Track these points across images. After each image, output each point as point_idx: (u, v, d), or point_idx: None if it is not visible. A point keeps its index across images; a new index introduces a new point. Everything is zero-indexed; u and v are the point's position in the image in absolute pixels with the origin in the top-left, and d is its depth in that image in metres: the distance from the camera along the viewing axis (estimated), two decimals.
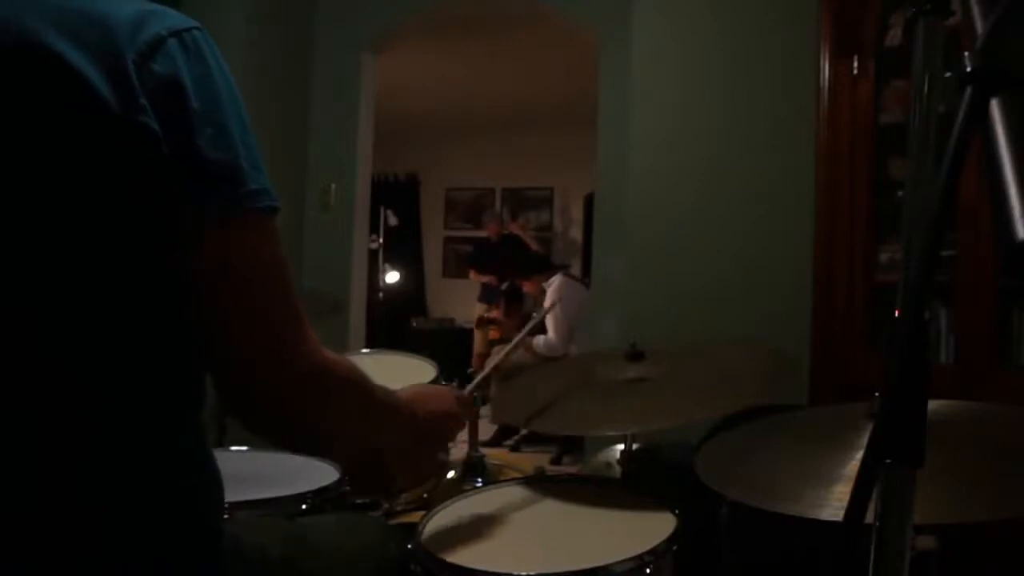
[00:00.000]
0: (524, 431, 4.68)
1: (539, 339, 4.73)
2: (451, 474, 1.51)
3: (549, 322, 4.68)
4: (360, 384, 0.86)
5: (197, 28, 0.71)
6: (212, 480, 0.80)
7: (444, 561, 1.00)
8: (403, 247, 7.65)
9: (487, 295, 6.20)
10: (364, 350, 2.20)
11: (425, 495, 1.40)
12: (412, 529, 1.10)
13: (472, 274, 6.54)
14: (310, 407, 0.79)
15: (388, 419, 0.93)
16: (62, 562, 0.71)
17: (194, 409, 0.78)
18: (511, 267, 5.66)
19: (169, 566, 0.74)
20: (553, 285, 4.81)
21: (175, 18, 0.70)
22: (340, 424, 0.85)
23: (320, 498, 1.22)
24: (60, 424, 0.70)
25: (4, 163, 0.65)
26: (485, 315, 5.76)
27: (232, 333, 0.73)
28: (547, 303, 4.73)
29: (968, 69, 0.49)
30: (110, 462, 0.72)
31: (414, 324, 7.35)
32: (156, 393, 0.74)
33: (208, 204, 0.70)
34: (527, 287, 5.37)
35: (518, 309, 5.73)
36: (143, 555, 0.73)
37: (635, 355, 1.45)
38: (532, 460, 4.37)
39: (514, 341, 1.34)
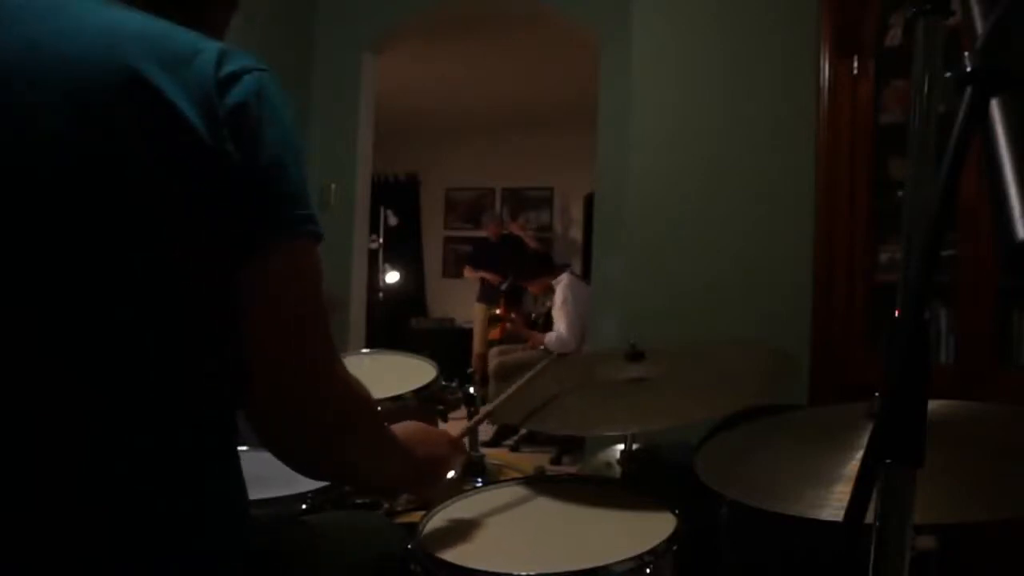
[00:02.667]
0: (524, 431, 4.69)
1: (550, 335, 4.71)
2: (451, 474, 1.51)
3: (560, 318, 4.68)
4: (377, 414, 0.90)
5: (267, 70, 0.78)
6: (222, 481, 0.81)
7: (444, 561, 1.00)
8: (403, 247, 7.65)
9: (486, 295, 6.19)
10: (364, 350, 2.20)
11: None
12: (412, 529, 1.10)
13: (467, 270, 6.51)
14: (334, 429, 0.81)
15: (395, 455, 0.95)
16: (62, 562, 0.71)
17: (207, 410, 0.78)
18: (514, 269, 5.65)
19: (170, 567, 0.74)
20: (562, 282, 4.81)
21: (250, 59, 0.77)
22: (362, 453, 0.88)
23: (320, 497, 1.22)
24: (60, 424, 0.71)
25: (106, 190, 0.70)
26: (495, 313, 5.72)
27: (267, 349, 0.76)
28: (559, 299, 4.73)
29: (968, 69, 0.49)
30: (110, 462, 0.72)
31: (414, 324, 7.35)
32: (159, 394, 0.74)
33: (262, 224, 0.74)
34: (532, 288, 5.36)
35: (518, 307, 5.73)
36: (143, 555, 0.73)
37: (635, 355, 1.44)
38: (532, 460, 4.37)
39: (506, 393, 1.34)
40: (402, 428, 1.01)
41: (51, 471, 0.71)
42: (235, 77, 0.74)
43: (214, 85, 0.72)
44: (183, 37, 0.75)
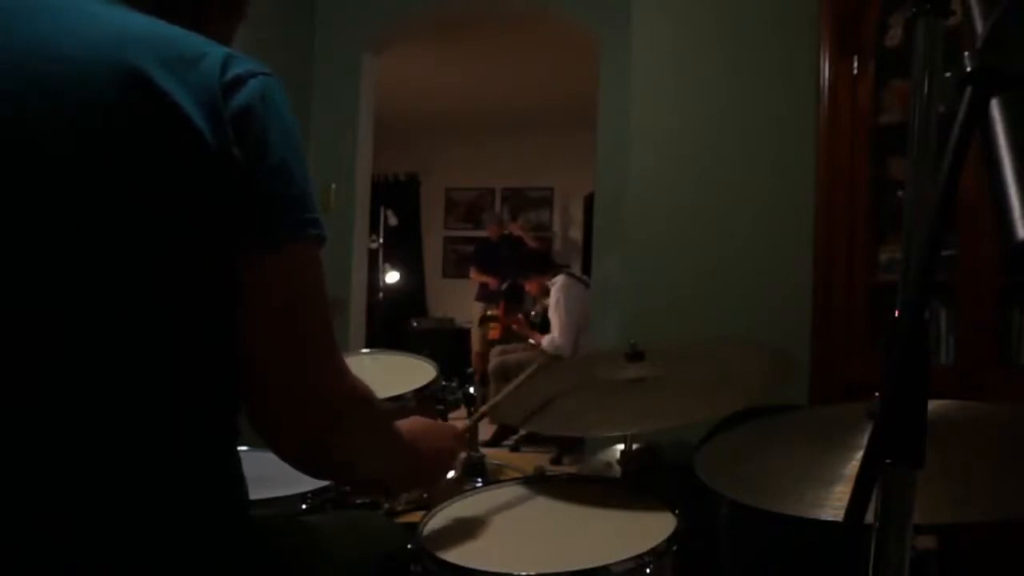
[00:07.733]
0: (524, 431, 4.68)
1: (546, 338, 4.72)
2: (451, 474, 1.51)
3: (554, 322, 4.68)
4: (383, 413, 0.90)
5: (272, 74, 0.78)
6: (223, 481, 0.81)
7: (444, 561, 1.00)
8: (403, 247, 7.65)
9: (486, 295, 6.20)
10: (364, 350, 2.20)
11: (425, 495, 1.40)
12: (412, 529, 1.10)
13: (473, 272, 6.53)
14: (335, 431, 0.81)
15: (400, 451, 0.95)
16: (60, 563, 0.71)
17: (207, 410, 0.78)
18: (512, 267, 5.65)
19: (170, 567, 0.74)
20: (557, 284, 4.80)
21: (255, 63, 0.77)
22: (363, 450, 0.88)
23: (320, 497, 1.22)
24: (59, 424, 0.71)
25: (106, 190, 0.70)
26: (487, 313, 5.74)
27: (268, 351, 0.76)
28: (552, 301, 4.72)
29: (968, 69, 0.49)
30: (109, 462, 0.72)
31: (414, 324, 7.36)
32: (159, 394, 0.74)
33: (267, 227, 0.75)
34: (529, 286, 5.37)
35: (518, 308, 5.74)
36: (143, 555, 0.73)
37: (635, 355, 1.44)
38: (532, 460, 4.37)
39: (510, 387, 1.34)
40: (407, 424, 1.01)
41: (49, 471, 0.70)
42: (240, 80, 0.74)
43: (219, 88, 0.72)
44: (189, 40, 0.75)
